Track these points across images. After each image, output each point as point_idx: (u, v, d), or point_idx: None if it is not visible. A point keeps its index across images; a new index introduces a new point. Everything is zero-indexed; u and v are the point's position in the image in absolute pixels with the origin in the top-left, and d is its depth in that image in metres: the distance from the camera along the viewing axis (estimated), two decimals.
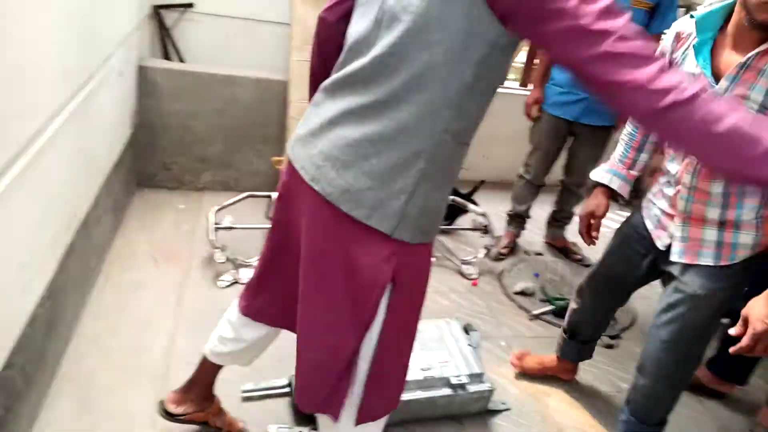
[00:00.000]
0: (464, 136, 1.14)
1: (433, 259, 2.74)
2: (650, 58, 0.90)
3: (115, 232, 2.59)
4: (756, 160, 0.90)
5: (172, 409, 1.67)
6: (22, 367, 1.52)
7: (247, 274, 2.45)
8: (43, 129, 1.59)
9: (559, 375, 2.20)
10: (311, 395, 1.24)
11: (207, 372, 1.65)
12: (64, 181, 1.82)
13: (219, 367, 1.64)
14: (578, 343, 2.11)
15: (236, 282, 2.43)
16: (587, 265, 3.08)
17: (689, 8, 3.81)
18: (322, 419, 1.30)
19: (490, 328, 2.45)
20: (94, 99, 2.09)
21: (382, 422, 1.31)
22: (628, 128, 1.86)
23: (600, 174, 1.89)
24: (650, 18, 2.60)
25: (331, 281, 1.13)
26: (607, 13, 0.90)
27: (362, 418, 1.22)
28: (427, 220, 1.12)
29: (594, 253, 3.20)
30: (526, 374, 2.21)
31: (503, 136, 3.71)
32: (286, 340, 2.00)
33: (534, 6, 0.92)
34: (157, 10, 3.09)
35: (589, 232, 1.95)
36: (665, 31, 2.73)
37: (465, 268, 2.81)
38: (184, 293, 2.32)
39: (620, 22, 0.90)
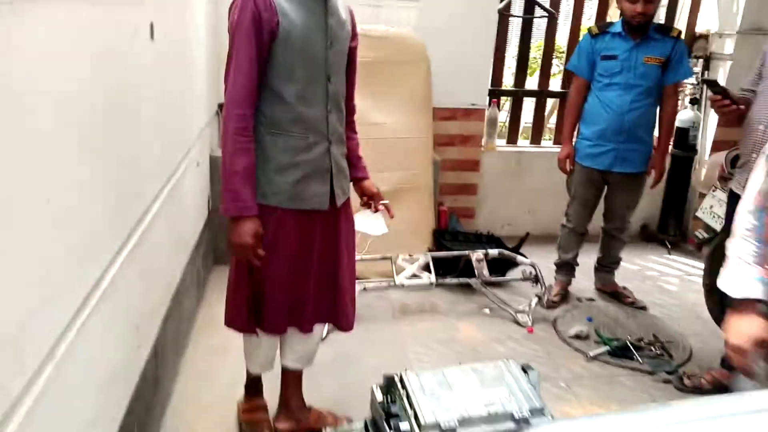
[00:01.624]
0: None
1: (486, 311, 2.92)
2: None
3: (200, 303, 2.88)
4: None
5: (282, 426, 2.02)
6: (138, 415, 1.76)
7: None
8: (149, 209, 1.92)
9: None
10: (230, 318, 1.95)
11: (291, 382, 2.08)
12: (162, 256, 2.13)
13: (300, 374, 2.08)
14: None
15: None
16: (641, 308, 3.17)
17: (707, 59, 4.03)
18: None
19: (549, 371, 2.57)
20: (180, 186, 2.43)
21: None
22: (747, 223, 1.51)
23: (743, 288, 1.46)
24: (663, 71, 2.83)
25: None
26: None
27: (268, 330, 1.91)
28: (265, 184, 1.74)
29: (645, 294, 3.30)
30: None
31: (544, 191, 3.92)
32: (361, 398, 2.20)
33: None
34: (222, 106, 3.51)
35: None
36: (681, 80, 2.97)
37: (520, 317, 2.96)
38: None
39: None
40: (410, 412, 2.00)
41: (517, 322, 2.95)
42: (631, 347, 2.71)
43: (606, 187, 3.08)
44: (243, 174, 1.66)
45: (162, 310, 2.14)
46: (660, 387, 2.50)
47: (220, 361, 2.49)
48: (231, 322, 1.95)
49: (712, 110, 2.21)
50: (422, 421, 1.92)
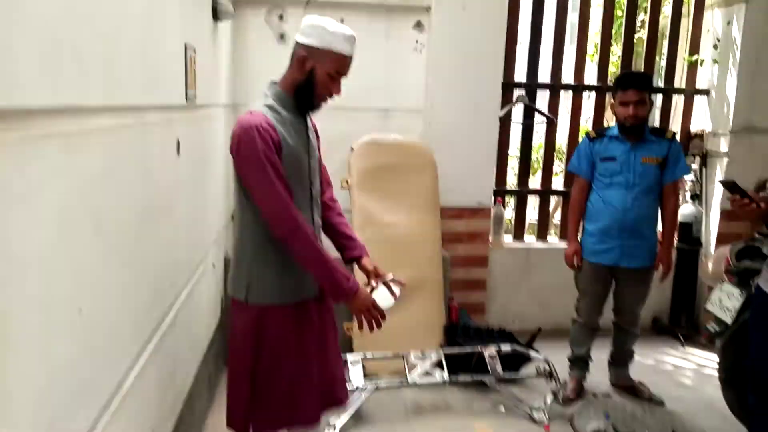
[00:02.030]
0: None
1: (501, 408, 2.88)
2: None
3: (211, 406, 2.87)
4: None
5: None
6: None
7: None
8: (168, 313, 1.99)
9: None
10: (230, 418, 1.97)
11: None
12: (177, 357, 2.18)
13: None
14: None
15: None
16: (657, 402, 3.12)
17: (704, 156, 4.20)
18: None
19: None
20: (197, 286, 2.52)
21: None
22: None
23: None
24: (662, 171, 2.97)
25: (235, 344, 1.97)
26: None
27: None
28: (269, 284, 1.88)
29: (661, 389, 3.25)
30: None
31: (553, 286, 3.97)
32: None
33: None
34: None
35: None
36: (679, 178, 3.10)
37: (536, 414, 2.91)
38: None
39: None
40: None
41: (534, 420, 2.90)
42: None
43: (614, 282, 3.13)
44: (332, 260, 1.83)
45: (175, 412, 2.15)
46: None
47: None
48: (231, 422, 1.98)
49: (730, 207, 2.20)
50: None
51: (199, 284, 2.57)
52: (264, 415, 1.92)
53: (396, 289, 2.05)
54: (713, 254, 2.95)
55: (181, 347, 2.24)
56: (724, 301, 2.67)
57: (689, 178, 4.14)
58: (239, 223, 1.90)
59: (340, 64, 1.80)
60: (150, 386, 1.78)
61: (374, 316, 1.90)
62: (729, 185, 2.16)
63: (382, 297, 2.01)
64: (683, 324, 4.09)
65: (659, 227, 3.13)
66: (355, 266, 2.11)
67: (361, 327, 1.92)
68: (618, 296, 3.17)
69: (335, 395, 2.06)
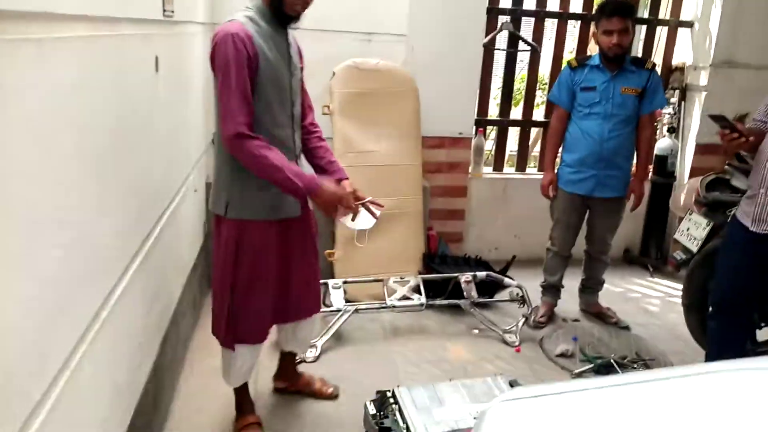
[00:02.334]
0: None
1: (475, 331, 3.01)
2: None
3: (196, 326, 2.95)
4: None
5: (278, 385, 2.47)
6: (139, 430, 1.83)
7: (313, 353, 2.75)
8: (151, 232, 2.01)
9: None
10: (214, 327, 2.17)
11: (288, 358, 2.48)
12: (162, 276, 2.21)
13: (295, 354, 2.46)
14: None
15: (304, 361, 2.72)
16: (623, 327, 3.28)
17: (683, 90, 4.22)
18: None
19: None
20: (178, 211, 2.53)
21: (244, 352, 2.16)
22: None
23: None
24: (640, 102, 2.99)
25: (218, 255, 2.10)
26: None
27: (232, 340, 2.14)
28: (248, 201, 1.98)
29: (628, 315, 3.40)
30: None
31: (530, 216, 4.04)
32: (354, 415, 2.25)
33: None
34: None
35: None
36: (656, 109, 3.13)
37: (507, 337, 3.05)
38: (258, 375, 2.61)
39: None
40: (402, 425, 2.08)
41: (505, 342, 3.04)
42: (615, 365, 2.80)
43: (588, 212, 3.21)
44: (284, 162, 1.84)
45: (161, 330, 2.21)
46: None
47: (216, 382, 2.54)
48: (215, 332, 2.16)
49: (720, 140, 2.18)
50: None
51: (180, 206, 2.58)
52: (243, 327, 2.07)
53: (376, 211, 2.13)
54: (685, 186, 3.03)
55: (165, 267, 2.28)
56: (692, 231, 2.76)
57: (667, 111, 4.18)
58: (218, 139, 1.92)
59: None
60: (136, 302, 1.83)
61: (349, 206, 1.96)
62: (719, 119, 2.15)
63: (363, 218, 2.10)
64: (653, 255, 4.23)
65: (635, 160, 3.19)
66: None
67: (328, 215, 2.02)
68: (591, 225, 3.26)
69: (302, 307, 2.23)
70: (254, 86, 1.83)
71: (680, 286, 3.91)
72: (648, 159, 3.21)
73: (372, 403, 2.17)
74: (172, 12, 2.20)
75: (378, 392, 2.25)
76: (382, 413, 2.13)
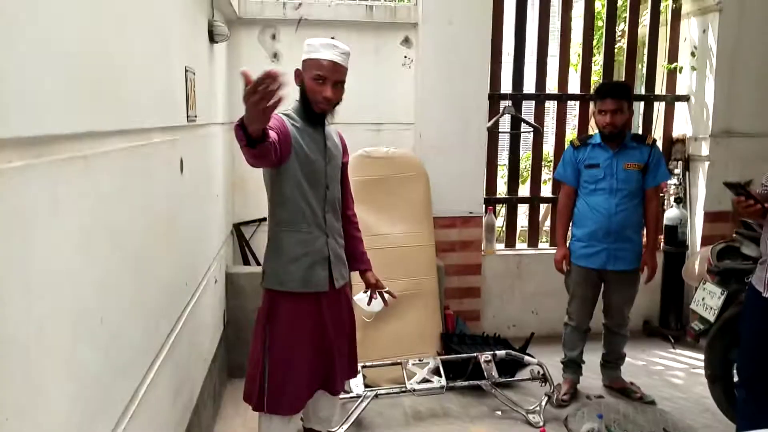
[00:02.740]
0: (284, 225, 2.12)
1: (498, 413, 2.97)
2: None
3: (216, 417, 2.94)
4: None
5: None
6: None
7: None
8: (176, 325, 2.07)
9: None
10: (247, 390, 2.21)
11: None
12: (185, 370, 2.25)
13: None
14: None
15: None
16: (649, 402, 3.21)
17: (687, 160, 4.33)
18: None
19: None
20: (200, 302, 2.59)
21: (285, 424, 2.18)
22: None
23: None
24: (644, 176, 3.09)
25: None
26: None
27: (269, 408, 2.14)
28: (280, 272, 2.10)
29: (652, 389, 3.34)
30: None
31: (546, 292, 4.07)
32: None
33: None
34: (238, 226, 3.77)
35: None
36: (660, 183, 3.22)
37: (531, 417, 3.00)
38: None
39: None
40: None
41: (529, 423, 2.98)
42: None
43: (603, 285, 3.23)
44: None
45: (184, 422, 2.22)
46: None
47: None
48: (247, 397, 2.19)
49: (735, 207, 2.22)
50: None
51: (202, 298, 2.65)
52: (278, 397, 2.12)
53: (388, 299, 2.44)
54: (696, 255, 3.06)
55: (188, 359, 2.32)
56: (707, 300, 2.77)
57: (673, 182, 4.28)
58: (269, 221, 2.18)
59: (318, 66, 2.01)
60: (162, 395, 1.86)
61: (265, 93, 1.48)
62: (734, 186, 2.18)
63: (376, 303, 2.43)
64: (672, 325, 4.19)
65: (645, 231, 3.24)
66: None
67: (254, 110, 1.57)
68: (607, 299, 3.27)
69: (340, 378, 2.29)
70: (286, 166, 2.02)
71: (702, 356, 3.88)
72: (657, 230, 3.26)
73: None
74: (195, 117, 2.36)
75: None
76: None
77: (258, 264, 3.77)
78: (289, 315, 2.10)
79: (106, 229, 1.33)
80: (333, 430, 2.75)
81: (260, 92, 1.47)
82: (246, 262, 3.77)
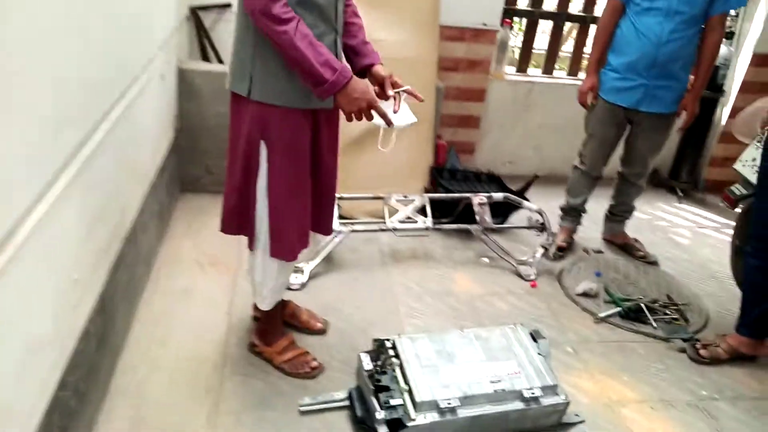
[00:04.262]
0: None
1: (485, 260, 2.63)
2: None
3: (161, 239, 2.53)
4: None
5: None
6: (75, 386, 1.45)
7: (299, 279, 2.37)
8: (87, 139, 1.52)
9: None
10: (229, 220, 1.77)
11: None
12: (110, 190, 1.76)
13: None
14: None
15: (289, 288, 2.34)
16: (651, 262, 2.90)
17: None
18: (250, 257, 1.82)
19: (555, 334, 2.30)
20: (137, 104, 2.02)
21: (286, 265, 1.78)
22: None
23: None
24: (711, 1, 2.42)
25: (236, 143, 1.63)
26: None
27: (273, 252, 1.70)
28: (274, 81, 1.51)
29: (655, 247, 3.03)
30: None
31: (553, 127, 3.59)
32: (343, 360, 1.90)
33: None
34: (195, 11, 3.03)
35: None
36: (730, 10, 2.56)
37: (522, 269, 2.67)
38: (234, 300, 2.24)
39: None
40: (403, 385, 1.72)
41: (519, 275, 2.66)
42: (645, 310, 2.45)
43: (629, 127, 2.72)
44: (316, 43, 1.43)
45: (111, 254, 1.79)
46: (675, 356, 2.26)
47: (181, 307, 2.18)
48: (232, 229, 1.80)
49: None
50: (417, 398, 1.66)
51: (140, 100, 2.07)
52: (285, 238, 1.71)
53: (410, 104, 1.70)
54: (755, 105, 2.52)
55: (116, 178, 1.82)
56: (758, 161, 2.29)
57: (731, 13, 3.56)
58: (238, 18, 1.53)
59: None
60: (68, 225, 1.39)
61: (374, 107, 1.53)
62: None
63: (403, 113, 1.63)
64: (683, 178, 3.80)
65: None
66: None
67: (349, 119, 1.56)
68: (630, 144, 2.78)
69: (325, 222, 1.89)
70: None
71: (713, 216, 3.56)
72: (710, 69, 2.66)
73: (367, 355, 1.81)
74: None
75: (375, 341, 1.88)
76: (379, 367, 1.77)
77: (220, 61, 3.11)
78: (289, 137, 1.59)
79: None
80: (300, 265, 2.39)
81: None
82: (205, 58, 3.09)
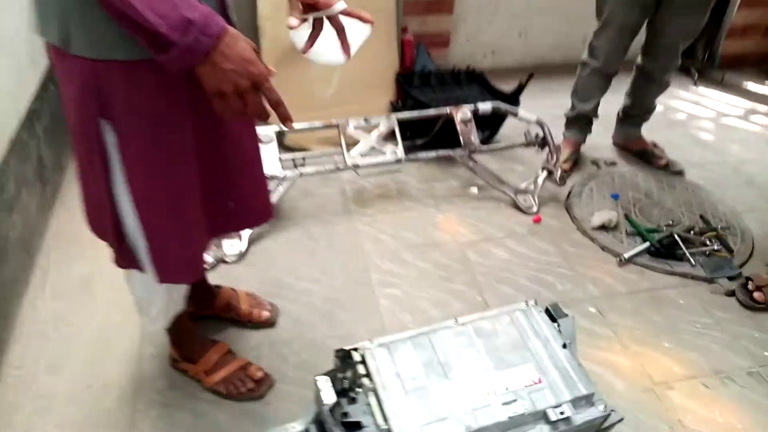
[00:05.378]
0: None
1: (474, 189, 2.07)
2: None
3: (47, 211, 1.89)
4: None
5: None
6: None
7: (235, 248, 1.80)
8: None
9: None
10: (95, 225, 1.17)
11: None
12: None
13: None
14: None
15: (223, 261, 1.78)
16: (676, 172, 2.37)
17: None
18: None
19: (571, 287, 1.80)
20: None
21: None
22: None
23: None
24: None
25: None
26: None
27: (162, 277, 1.13)
28: (103, 25, 0.83)
29: (676, 150, 2.48)
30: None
31: (542, 8, 2.89)
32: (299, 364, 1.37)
33: None
34: None
35: None
36: None
37: (521, 200, 2.12)
38: None
39: None
40: (380, 421, 1.22)
41: (518, 207, 2.12)
42: (679, 241, 1.94)
43: (656, 9, 2.05)
44: None
45: None
46: (723, 303, 1.78)
47: (80, 307, 1.63)
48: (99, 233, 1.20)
49: None
50: None
51: None
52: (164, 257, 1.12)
53: (361, 32, 1.12)
54: None
55: None
56: None
57: None
58: None
59: None
60: None
61: (257, 80, 0.84)
62: None
63: (324, 45, 1.05)
64: (699, 56, 3.18)
65: None
66: None
67: (220, 110, 0.87)
68: (658, 29, 2.11)
69: (248, 212, 1.25)
70: None
71: (734, 99, 2.99)
72: None
73: (327, 380, 1.27)
74: None
75: (338, 353, 1.34)
76: (346, 390, 1.25)
77: None
78: (147, 109, 0.94)
79: None
80: None
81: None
82: None
